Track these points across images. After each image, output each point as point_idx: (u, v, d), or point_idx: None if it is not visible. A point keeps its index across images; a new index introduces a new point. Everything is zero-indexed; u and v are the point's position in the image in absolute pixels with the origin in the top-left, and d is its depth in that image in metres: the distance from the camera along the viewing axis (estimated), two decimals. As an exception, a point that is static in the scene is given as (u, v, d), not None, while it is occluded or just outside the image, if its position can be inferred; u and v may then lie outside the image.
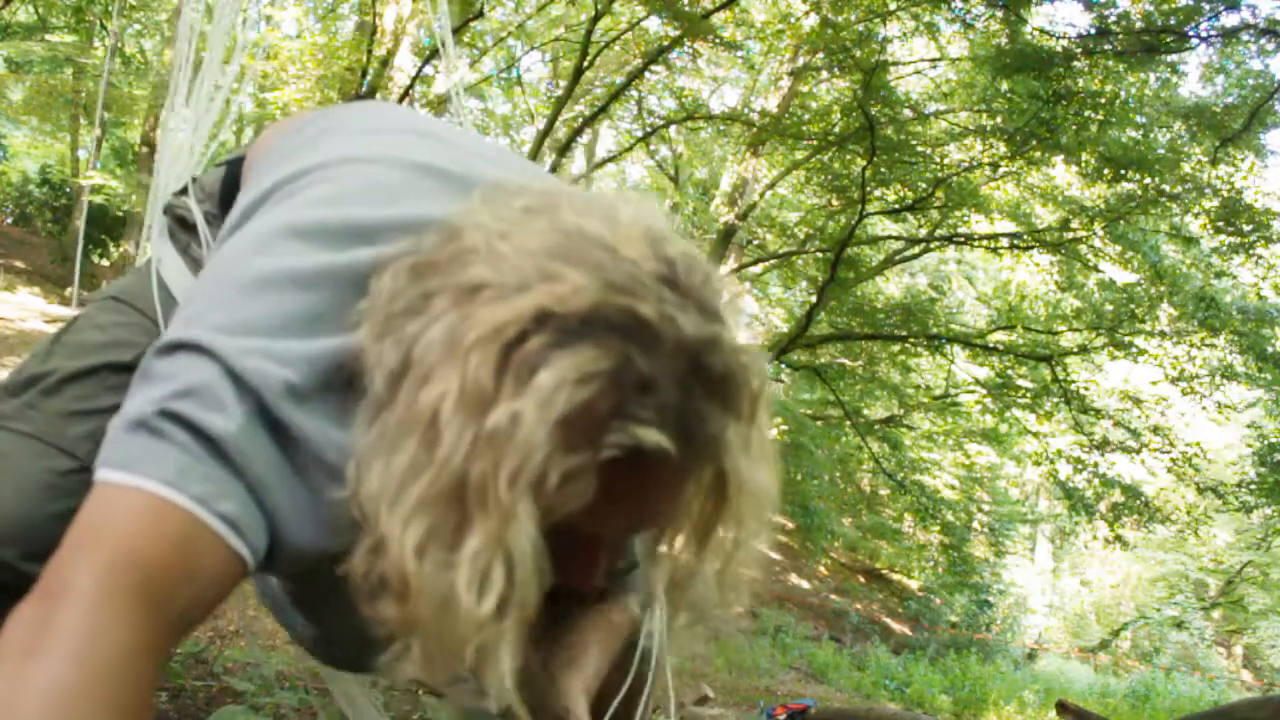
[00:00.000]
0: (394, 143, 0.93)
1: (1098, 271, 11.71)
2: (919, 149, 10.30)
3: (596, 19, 10.07)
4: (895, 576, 20.92)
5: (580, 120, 11.71)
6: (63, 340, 1.06)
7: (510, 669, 0.63)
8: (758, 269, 14.76)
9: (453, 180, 0.85)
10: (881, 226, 12.63)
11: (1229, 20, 8.37)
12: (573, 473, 0.59)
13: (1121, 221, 10.43)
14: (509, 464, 0.58)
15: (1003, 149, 10.11)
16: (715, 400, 0.62)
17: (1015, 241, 11.78)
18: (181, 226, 1.14)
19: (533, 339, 0.59)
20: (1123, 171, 9.85)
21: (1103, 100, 9.35)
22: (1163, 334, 11.23)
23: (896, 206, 11.12)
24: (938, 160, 10.57)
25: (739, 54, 11.90)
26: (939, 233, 11.77)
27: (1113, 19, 8.53)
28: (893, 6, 9.40)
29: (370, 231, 0.77)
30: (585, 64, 10.27)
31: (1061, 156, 10.15)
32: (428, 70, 10.85)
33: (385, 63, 10.48)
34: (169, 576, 0.66)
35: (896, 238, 12.40)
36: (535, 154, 10.96)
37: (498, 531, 0.59)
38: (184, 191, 1.16)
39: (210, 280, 0.80)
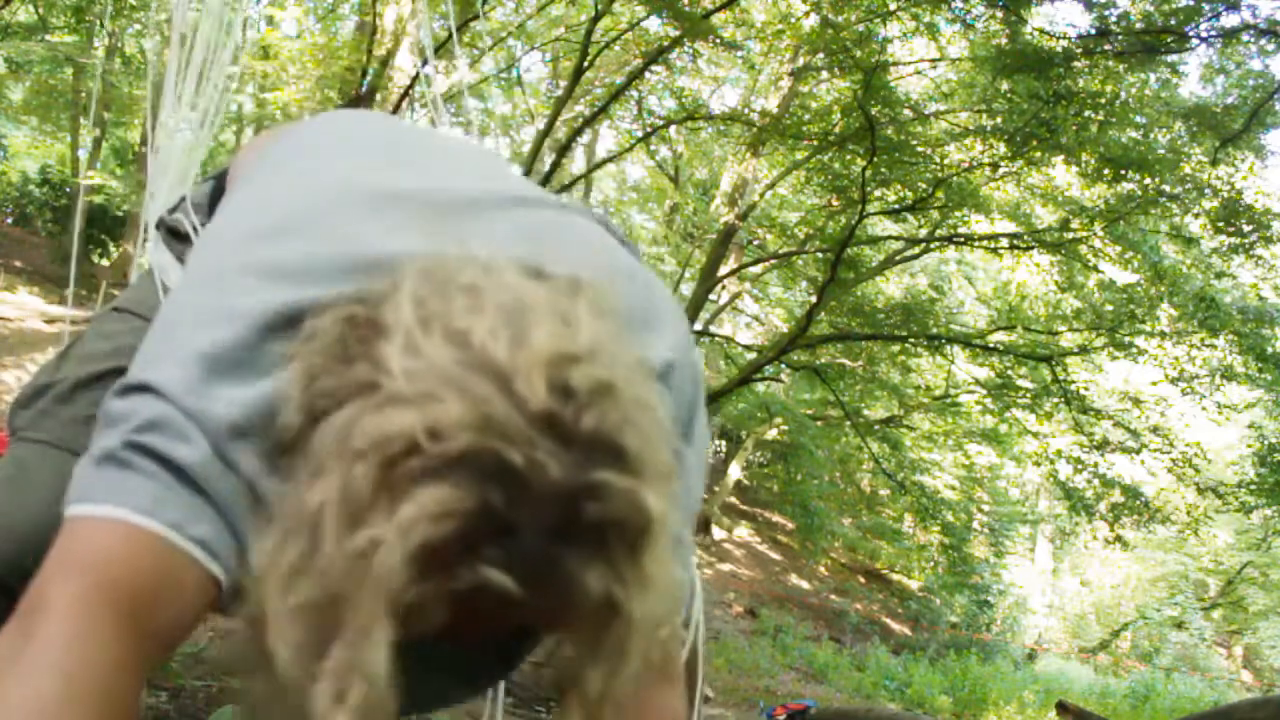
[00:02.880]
0: (360, 166, 0.93)
1: (1098, 272, 11.71)
2: (919, 149, 10.29)
3: (596, 19, 10.07)
4: (895, 576, 20.92)
5: (580, 120, 11.71)
6: (71, 352, 1.07)
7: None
8: (758, 269, 14.76)
9: (418, 206, 0.85)
10: (881, 227, 12.63)
11: (1229, 20, 8.38)
12: (426, 601, 0.60)
13: (1121, 222, 10.42)
14: (369, 588, 0.59)
15: (1003, 149, 10.10)
16: (581, 547, 0.61)
17: (1015, 242, 11.78)
18: (174, 237, 1.16)
19: (406, 462, 0.60)
20: (1123, 172, 9.85)
21: (1103, 100, 9.35)
22: (1163, 334, 11.23)
23: (896, 207, 11.12)
24: (938, 160, 10.57)
25: (739, 54, 11.89)
26: (939, 233, 11.77)
27: (1113, 19, 8.53)
28: (893, 7, 9.40)
29: (321, 272, 0.77)
30: (585, 64, 10.27)
31: (1061, 157, 10.15)
32: (427, 70, 10.84)
33: (385, 63, 10.48)
34: (147, 597, 0.67)
35: (896, 238, 12.40)
36: (535, 154, 10.97)
37: (356, 650, 0.60)
38: (177, 207, 1.19)
39: (163, 319, 0.81)
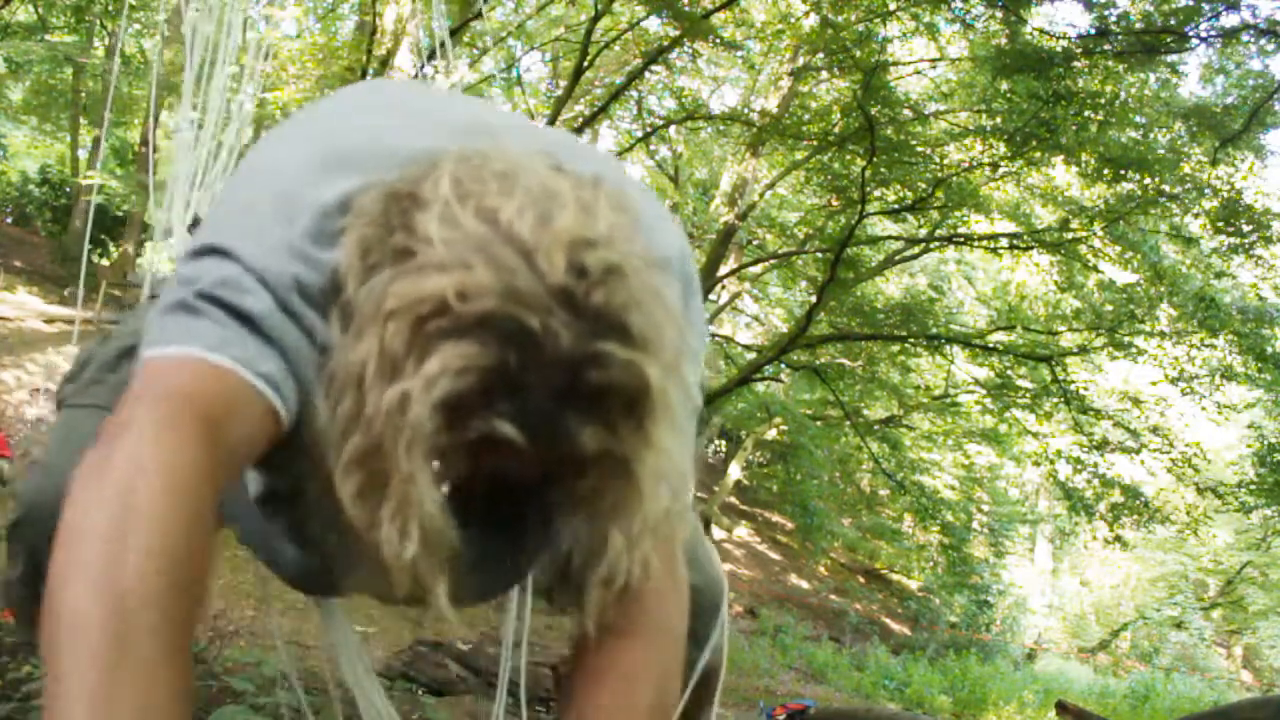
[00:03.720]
0: (392, 105, 1.04)
1: (1098, 272, 11.70)
2: (919, 149, 10.29)
3: (596, 19, 10.06)
4: (895, 576, 20.91)
5: (580, 120, 11.71)
6: (116, 331, 1.15)
7: (444, 595, 0.72)
8: (758, 269, 14.76)
9: (450, 128, 0.92)
10: (881, 227, 12.63)
11: (1229, 20, 8.39)
12: (451, 448, 0.69)
13: (1121, 222, 10.42)
14: (404, 437, 0.67)
15: (1003, 149, 10.10)
16: (584, 411, 0.69)
17: (1015, 242, 11.77)
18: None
19: (435, 321, 0.67)
20: (1123, 172, 9.85)
21: (1102, 100, 9.35)
22: (1163, 334, 11.23)
23: (896, 206, 11.12)
24: (938, 160, 10.57)
25: (739, 54, 11.90)
26: (939, 233, 11.76)
27: (1113, 19, 8.53)
28: (893, 7, 9.40)
29: (375, 163, 0.83)
30: (585, 64, 10.27)
31: (1061, 157, 10.15)
32: (427, 70, 10.83)
33: (385, 63, 10.47)
34: (220, 414, 0.73)
35: (896, 238, 12.40)
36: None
37: (405, 493, 0.68)
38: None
39: (232, 200, 0.91)
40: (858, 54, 9.41)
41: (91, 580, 0.62)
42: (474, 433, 0.68)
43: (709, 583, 1.23)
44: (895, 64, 10.90)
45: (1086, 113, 9.25)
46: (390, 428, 0.67)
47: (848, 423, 13.72)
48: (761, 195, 13.00)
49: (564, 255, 0.68)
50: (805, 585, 18.15)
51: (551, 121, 10.82)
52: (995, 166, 10.67)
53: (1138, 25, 8.61)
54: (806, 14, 10.01)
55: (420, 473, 0.68)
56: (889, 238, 12.51)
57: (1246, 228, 10.05)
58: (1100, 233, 10.78)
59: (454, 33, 9.11)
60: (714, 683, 1.35)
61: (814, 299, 11.39)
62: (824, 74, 11.40)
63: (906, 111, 10.29)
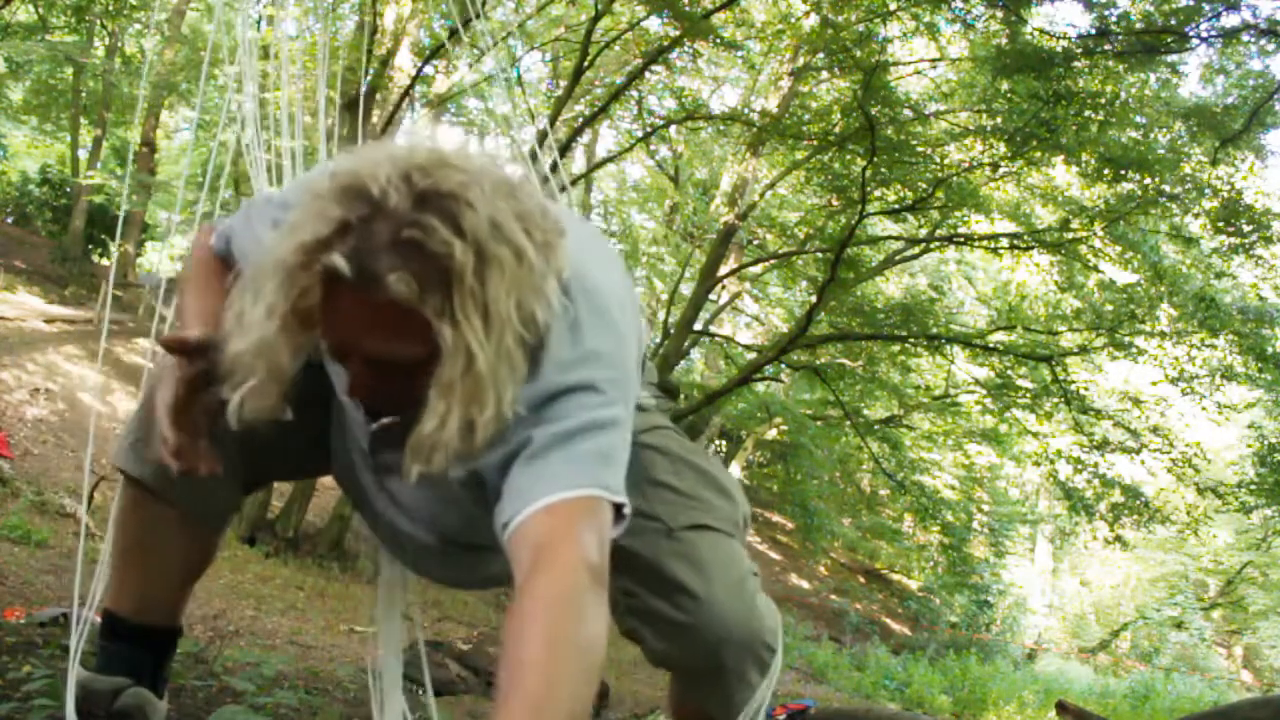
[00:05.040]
0: None
1: (1098, 272, 11.70)
2: (919, 149, 10.29)
3: (596, 19, 10.06)
4: (895, 576, 20.91)
5: (580, 120, 11.71)
6: None
7: (251, 390, 0.97)
8: (758, 269, 14.75)
9: None
10: (881, 227, 12.62)
11: (1229, 20, 8.37)
12: (305, 286, 0.91)
13: (1121, 222, 10.42)
14: (273, 265, 0.93)
15: (1003, 149, 10.10)
16: (399, 262, 0.88)
17: (1015, 242, 11.77)
18: None
19: (318, 194, 0.93)
20: (1123, 172, 9.84)
21: (1103, 100, 9.34)
22: (1163, 334, 11.23)
23: (896, 206, 11.12)
24: (938, 160, 10.56)
25: (739, 54, 11.89)
26: (939, 233, 11.76)
27: (1113, 19, 8.52)
28: (893, 7, 9.40)
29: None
30: (585, 64, 10.27)
31: (1061, 157, 10.14)
32: (427, 70, 10.85)
33: (385, 63, 10.48)
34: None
35: (896, 238, 12.40)
36: (535, 154, 10.95)
37: (261, 310, 0.94)
38: None
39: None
40: (858, 54, 9.41)
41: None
42: (319, 266, 0.89)
43: (743, 616, 1.25)
44: (895, 64, 10.89)
45: (1087, 113, 9.24)
46: (269, 261, 0.94)
47: (848, 423, 13.71)
48: (762, 195, 13.00)
49: (425, 168, 0.91)
50: (805, 585, 18.15)
51: (551, 122, 10.82)
52: (995, 166, 10.66)
53: (1138, 25, 8.60)
54: (807, 14, 10.01)
55: (274, 293, 0.93)
56: (889, 238, 12.51)
57: (1247, 228, 10.04)
58: (1100, 233, 10.78)
59: (453, 33, 9.11)
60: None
61: (814, 299, 11.38)
62: (824, 74, 11.40)
63: (907, 111, 10.28)
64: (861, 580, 20.09)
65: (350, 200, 0.90)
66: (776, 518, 20.51)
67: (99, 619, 1.40)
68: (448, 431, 0.93)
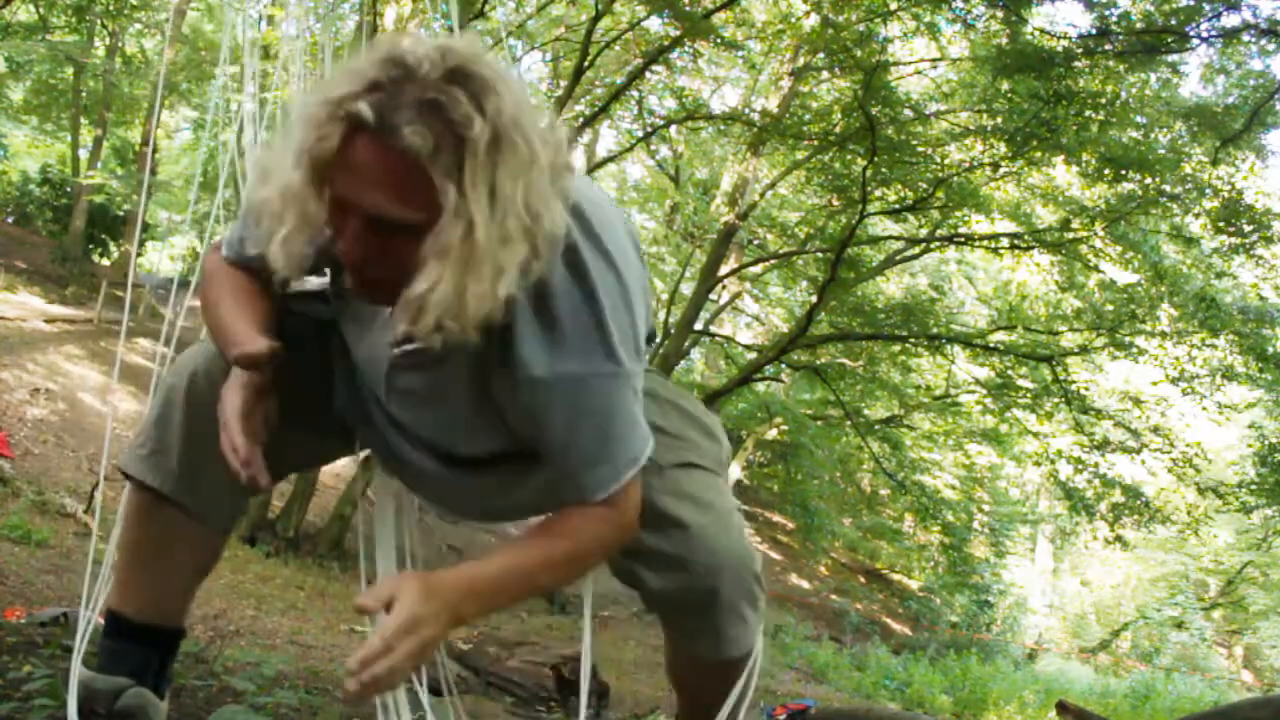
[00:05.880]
0: None
1: (1098, 272, 11.70)
2: (919, 149, 10.29)
3: (597, 19, 10.06)
4: (895, 576, 20.92)
5: (580, 120, 11.70)
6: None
7: (284, 236, 1.01)
8: (758, 269, 14.75)
9: None
10: (882, 226, 12.63)
11: (1229, 20, 8.37)
12: (326, 133, 0.95)
13: (1122, 222, 10.42)
14: (302, 118, 0.98)
15: (1003, 149, 10.10)
16: (419, 118, 0.92)
17: (1016, 242, 11.77)
18: None
19: (357, 63, 0.97)
20: (1123, 172, 9.85)
21: (1103, 100, 9.34)
22: (1163, 334, 11.23)
23: (897, 206, 11.12)
24: (938, 160, 10.56)
25: (739, 54, 11.89)
26: (939, 233, 11.76)
27: (1113, 19, 8.52)
28: (893, 7, 9.40)
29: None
30: (585, 64, 10.27)
31: (1062, 157, 10.15)
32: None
33: (385, 62, 10.46)
34: None
35: (897, 238, 12.40)
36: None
37: (286, 159, 0.99)
38: None
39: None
40: (858, 54, 9.41)
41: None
42: (342, 112, 0.93)
43: (715, 534, 1.30)
44: (896, 64, 10.90)
45: (1087, 113, 9.25)
46: (299, 117, 0.98)
47: (848, 423, 13.72)
48: (762, 195, 13.00)
49: (463, 53, 0.95)
50: (806, 585, 18.15)
51: (552, 121, 10.81)
52: (996, 166, 10.67)
53: (1138, 25, 8.60)
54: (807, 14, 10.00)
55: (299, 143, 0.97)
56: (890, 238, 12.51)
57: (1247, 228, 10.05)
58: (1101, 233, 10.78)
59: (453, 33, 9.11)
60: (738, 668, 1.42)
61: (814, 299, 11.38)
62: (825, 74, 11.40)
63: (907, 111, 10.28)
64: (862, 580, 20.09)
65: (384, 64, 0.94)
66: (776, 518, 20.51)
67: (102, 620, 1.40)
68: (438, 293, 0.96)
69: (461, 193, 0.94)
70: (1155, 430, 12.12)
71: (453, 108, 0.92)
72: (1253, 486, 11.60)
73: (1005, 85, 9.42)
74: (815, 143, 10.86)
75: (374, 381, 1.20)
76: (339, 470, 11.77)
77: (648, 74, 11.69)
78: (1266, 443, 11.84)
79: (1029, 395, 12.29)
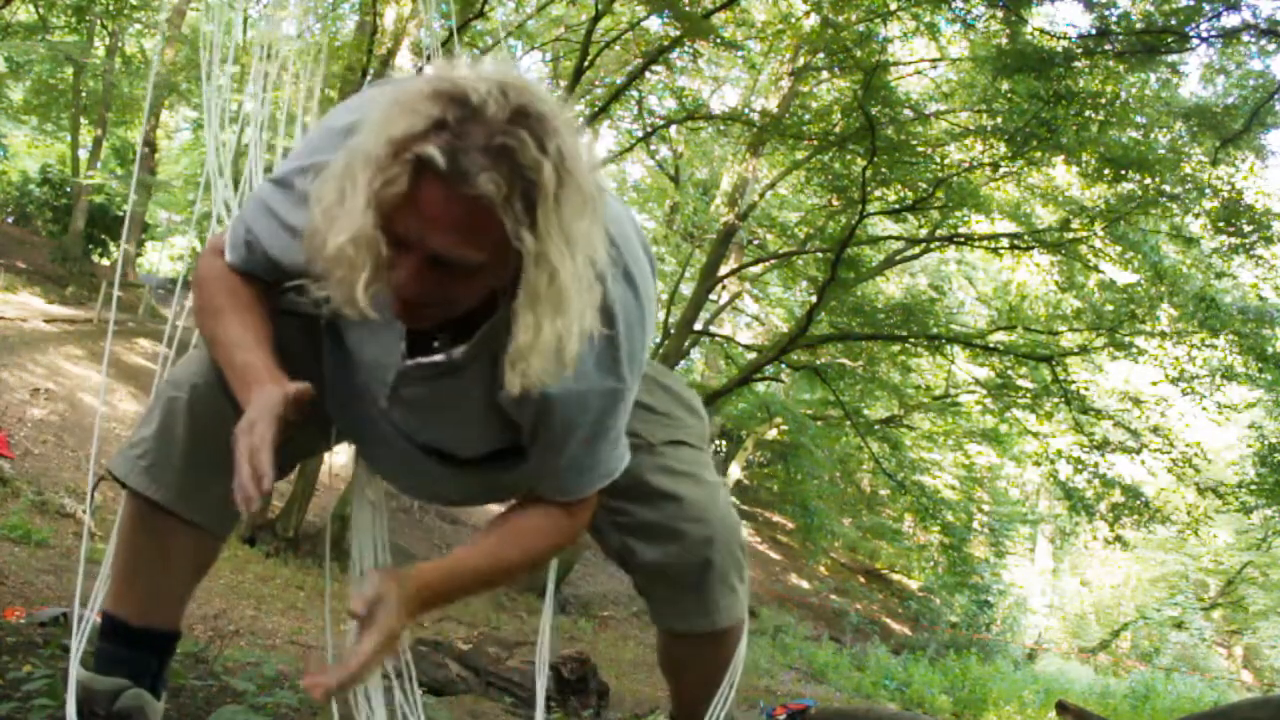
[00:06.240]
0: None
1: (1098, 272, 11.70)
2: (919, 149, 10.29)
3: (597, 19, 10.06)
4: (895, 576, 20.92)
5: (581, 120, 11.70)
6: None
7: (364, 283, 0.97)
8: (758, 269, 14.75)
9: None
10: (882, 227, 12.63)
11: (1229, 21, 8.37)
12: (393, 175, 0.93)
13: (1122, 222, 10.42)
14: (361, 158, 0.95)
15: (1003, 149, 10.10)
16: (490, 163, 0.91)
17: (1015, 242, 11.77)
18: None
19: (410, 96, 0.95)
20: (1123, 172, 9.85)
21: (1103, 101, 9.34)
22: (1163, 334, 11.23)
23: (897, 206, 11.12)
24: (938, 160, 10.57)
25: (739, 54, 11.89)
26: (939, 233, 11.76)
27: (1113, 19, 8.52)
28: (893, 7, 9.40)
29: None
30: (585, 64, 10.27)
31: (1062, 157, 10.15)
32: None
33: (385, 63, 10.47)
34: None
35: (897, 238, 12.40)
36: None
37: (353, 203, 0.95)
38: None
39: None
40: (858, 54, 9.41)
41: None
42: (410, 155, 0.92)
43: (704, 506, 1.37)
44: (896, 64, 10.90)
45: (1087, 113, 9.25)
46: (358, 156, 0.96)
47: (848, 423, 13.72)
48: (762, 195, 13.00)
49: (520, 88, 0.94)
50: (805, 585, 18.15)
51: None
52: (996, 166, 10.67)
53: (1138, 25, 8.60)
54: (807, 14, 10.01)
55: (366, 187, 0.94)
56: (889, 238, 12.51)
57: (1247, 228, 10.05)
58: (1101, 233, 10.78)
59: (453, 34, 9.10)
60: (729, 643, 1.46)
61: (814, 299, 11.39)
62: (824, 74, 11.40)
63: (907, 111, 10.29)
64: (861, 580, 20.09)
65: (447, 103, 0.93)
66: (776, 518, 20.51)
67: (99, 620, 1.40)
68: (542, 339, 0.98)
69: (538, 239, 0.94)
70: (1155, 430, 12.12)
71: (522, 152, 0.92)
72: (1252, 486, 11.60)
73: (1005, 85, 9.42)
74: (815, 143, 10.87)
75: (376, 385, 1.20)
76: (339, 470, 11.79)
77: (648, 74, 11.69)
78: (1266, 443, 11.84)
79: (1029, 395, 12.29)
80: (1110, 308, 11.52)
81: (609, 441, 1.19)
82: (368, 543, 1.48)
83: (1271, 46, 8.95)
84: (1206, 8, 8.11)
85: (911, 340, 11.94)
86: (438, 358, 1.12)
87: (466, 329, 1.09)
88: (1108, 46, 8.73)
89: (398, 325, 1.10)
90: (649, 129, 13.39)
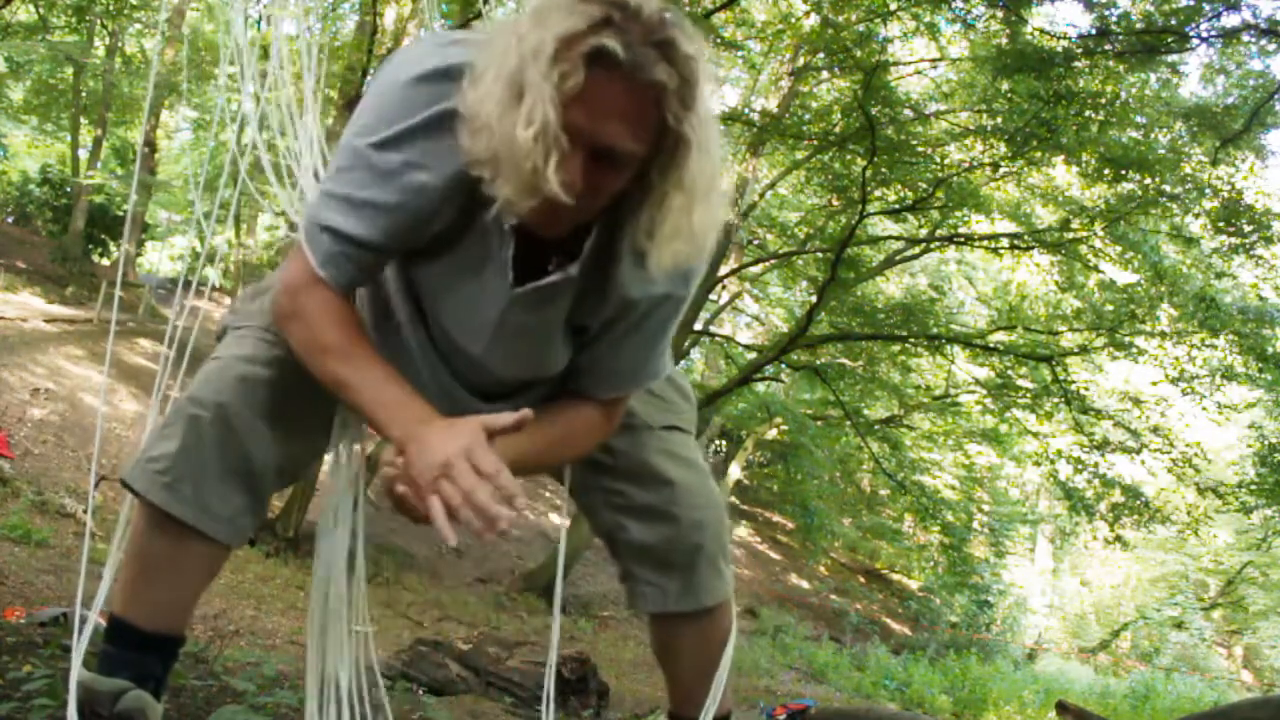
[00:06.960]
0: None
1: (1098, 272, 11.71)
2: (919, 149, 10.29)
3: (597, 19, 10.05)
4: (895, 576, 20.92)
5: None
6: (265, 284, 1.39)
7: (555, 175, 0.97)
8: (758, 269, 14.76)
9: None
10: (882, 227, 12.63)
11: (1229, 21, 8.37)
12: (568, 69, 0.95)
13: (1122, 222, 10.43)
14: (531, 56, 0.96)
15: (1003, 149, 10.10)
16: (661, 55, 0.96)
17: (1015, 242, 11.78)
18: None
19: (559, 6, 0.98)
20: (1123, 172, 9.85)
21: (1103, 100, 9.35)
22: (1163, 334, 11.23)
23: (897, 206, 11.12)
24: (938, 160, 10.57)
25: (739, 54, 11.89)
26: (939, 233, 11.77)
27: (1113, 19, 8.53)
28: (893, 6, 9.40)
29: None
30: (585, 64, 10.25)
31: (1062, 157, 10.15)
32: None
33: (385, 63, 10.47)
34: None
35: (897, 238, 12.40)
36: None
37: (534, 96, 0.96)
38: None
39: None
40: (858, 54, 9.41)
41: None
42: (585, 48, 0.94)
43: (695, 492, 1.40)
44: (896, 64, 10.90)
45: (1087, 113, 9.25)
46: (527, 55, 0.96)
47: (848, 423, 13.72)
48: (762, 195, 13.00)
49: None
50: (805, 585, 18.15)
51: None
52: (996, 166, 10.67)
53: (1138, 25, 8.60)
54: (807, 14, 10.01)
55: (544, 84, 0.95)
56: (889, 238, 12.51)
57: (1247, 228, 10.05)
58: (1101, 233, 10.78)
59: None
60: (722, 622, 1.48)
61: (814, 299, 11.39)
62: (824, 74, 11.40)
63: (907, 111, 10.29)
64: (861, 580, 20.10)
65: (607, 3, 0.97)
66: (777, 518, 20.51)
67: (102, 620, 1.40)
68: (694, 221, 1.04)
69: (696, 128, 1.00)
70: (1155, 430, 12.12)
71: (681, 47, 0.98)
72: (1252, 486, 11.60)
73: (1005, 85, 9.42)
74: (815, 143, 10.87)
75: (469, 332, 1.23)
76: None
77: (648, 74, 11.67)
78: (1266, 443, 11.84)
79: (1029, 395, 12.29)
80: (1110, 308, 11.52)
81: (660, 348, 1.27)
82: (343, 537, 1.46)
83: (1271, 46, 8.95)
84: (1206, 8, 8.11)
85: (911, 340, 11.95)
86: (554, 277, 1.14)
87: (573, 250, 1.13)
88: (1108, 46, 8.73)
89: (504, 255, 1.14)
90: (649, 129, 13.36)
